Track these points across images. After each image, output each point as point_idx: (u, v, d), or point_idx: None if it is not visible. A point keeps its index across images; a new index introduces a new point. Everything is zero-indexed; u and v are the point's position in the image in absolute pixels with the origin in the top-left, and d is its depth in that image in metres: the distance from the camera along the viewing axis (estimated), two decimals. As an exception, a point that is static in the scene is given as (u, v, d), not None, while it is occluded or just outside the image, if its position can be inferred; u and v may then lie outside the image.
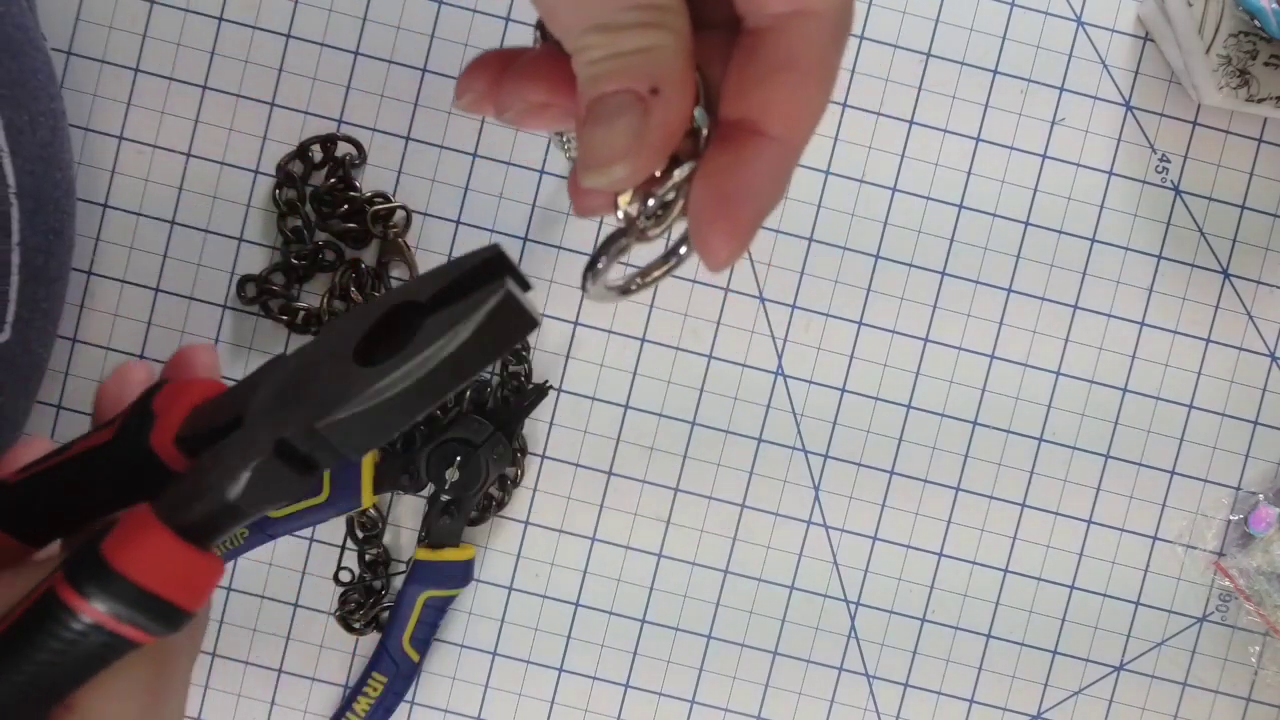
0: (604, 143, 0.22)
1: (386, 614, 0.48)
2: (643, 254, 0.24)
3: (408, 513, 0.49)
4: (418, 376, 0.22)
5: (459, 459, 0.46)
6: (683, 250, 0.24)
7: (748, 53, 0.22)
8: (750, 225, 0.23)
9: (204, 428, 0.25)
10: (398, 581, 0.48)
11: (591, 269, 0.23)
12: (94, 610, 0.23)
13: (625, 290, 0.24)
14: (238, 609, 0.49)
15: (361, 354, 0.23)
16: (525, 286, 0.23)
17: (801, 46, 0.22)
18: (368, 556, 0.48)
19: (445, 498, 0.46)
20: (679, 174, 0.22)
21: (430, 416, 0.48)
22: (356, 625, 0.48)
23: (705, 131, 0.23)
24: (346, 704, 0.47)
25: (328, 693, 0.49)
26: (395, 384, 0.22)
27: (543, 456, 0.49)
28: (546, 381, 0.48)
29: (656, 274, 0.24)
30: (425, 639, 0.46)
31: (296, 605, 0.49)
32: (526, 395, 0.47)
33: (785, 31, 0.22)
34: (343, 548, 0.49)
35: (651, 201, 0.22)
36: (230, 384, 0.26)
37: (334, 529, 0.48)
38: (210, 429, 0.25)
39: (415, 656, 0.46)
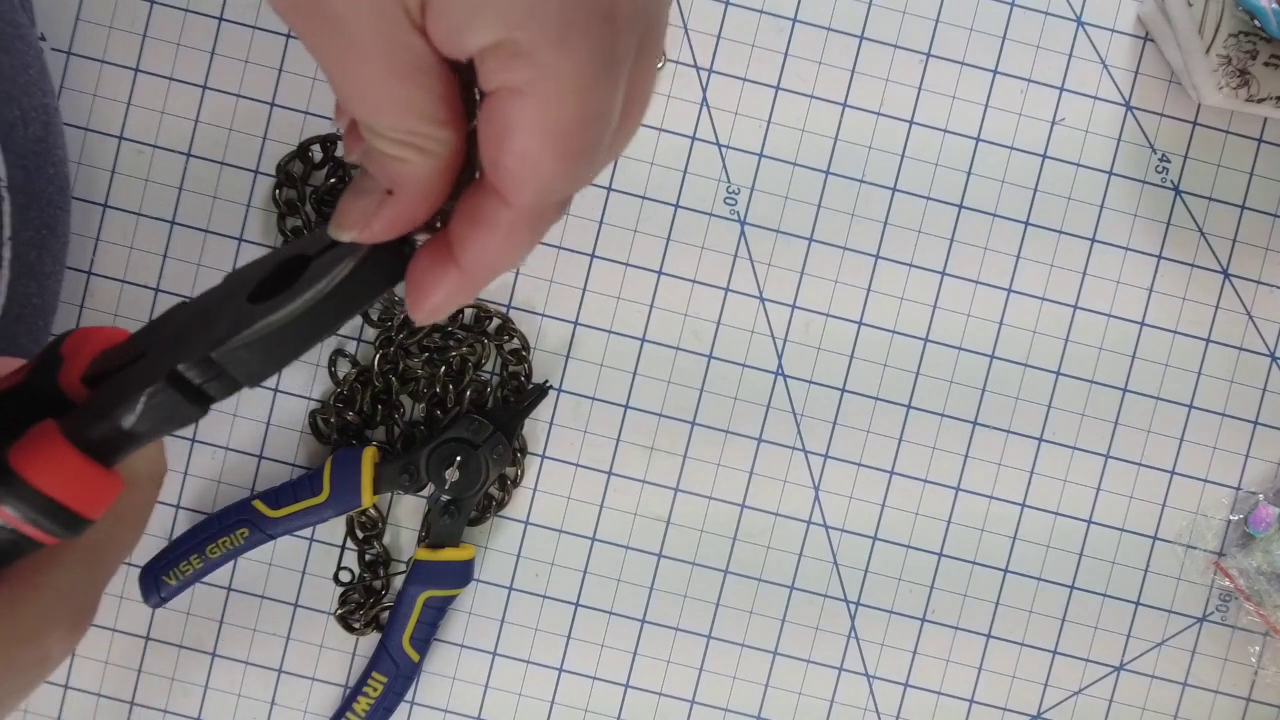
0: (343, 208, 0.26)
1: (386, 614, 0.48)
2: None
3: (407, 513, 0.49)
4: (302, 310, 0.26)
5: (459, 459, 0.46)
6: None
7: (468, 196, 0.26)
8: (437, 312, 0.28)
9: (110, 368, 0.27)
10: (397, 581, 0.48)
11: None
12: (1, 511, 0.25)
13: None
14: (238, 609, 0.48)
15: (255, 297, 0.26)
16: (411, 246, 0.27)
17: (492, 213, 0.26)
18: (368, 556, 0.48)
19: (445, 498, 0.46)
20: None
21: (430, 416, 0.48)
22: (356, 625, 0.48)
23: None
24: (346, 704, 0.46)
25: (328, 693, 0.49)
26: (282, 316, 0.26)
27: (543, 456, 0.49)
28: (546, 381, 0.48)
29: None
30: (425, 639, 0.46)
31: (296, 605, 0.49)
32: (526, 395, 0.47)
33: (487, 195, 0.25)
34: (343, 548, 0.49)
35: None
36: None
37: (334, 529, 0.48)
38: (115, 368, 0.27)
39: (415, 656, 0.46)
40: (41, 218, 0.42)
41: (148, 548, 0.48)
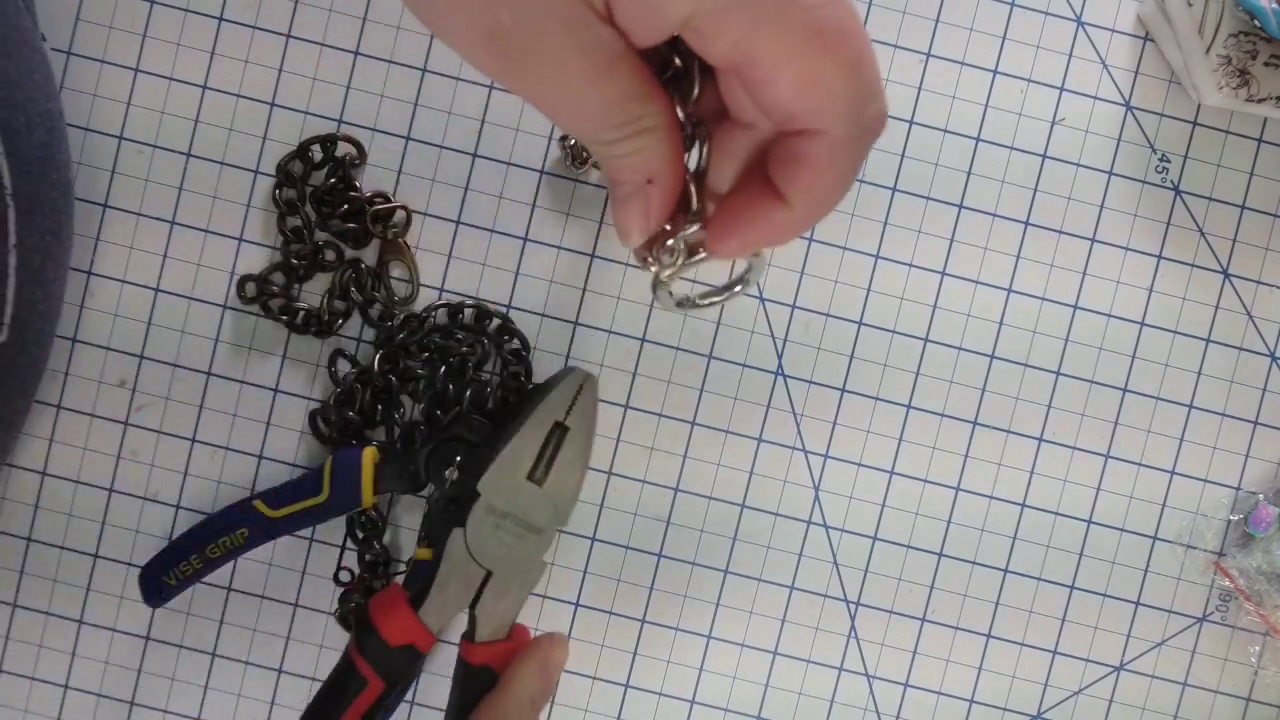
0: (622, 220, 0.29)
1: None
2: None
3: (407, 513, 0.49)
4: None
5: (459, 459, 0.46)
6: (737, 288, 0.32)
7: (777, 140, 0.28)
8: (752, 249, 0.30)
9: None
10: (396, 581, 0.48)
11: (653, 288, 0.32)
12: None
13: (681, 305, 0.33)
14: (238, 609, 0.49)
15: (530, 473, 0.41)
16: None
17: (816, 153, 0.26)
18: (368, 557, 0.48)
19: (445, 497, 0.46)
20: (681, 238, 0.30)
21: (430, 416, 0.48)
22: (356, 625, 0.48)
23: (694, 201, 0.29)
24: None
25: (328, 693, 0.49)
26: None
27: (543, 456, 0.49)
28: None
29: (714, 299, 0.33)
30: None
31: (296, 605, 0.49)
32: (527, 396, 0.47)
33: (799, 137, 0.26)
34: (343, 548, 0.49)
35: (662, 254, 0.30)
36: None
37: (334, 529, 0.48)
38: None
39: None
40: (46, 224, 0.42)
41: (147, 548, 0.48)
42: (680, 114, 0.28)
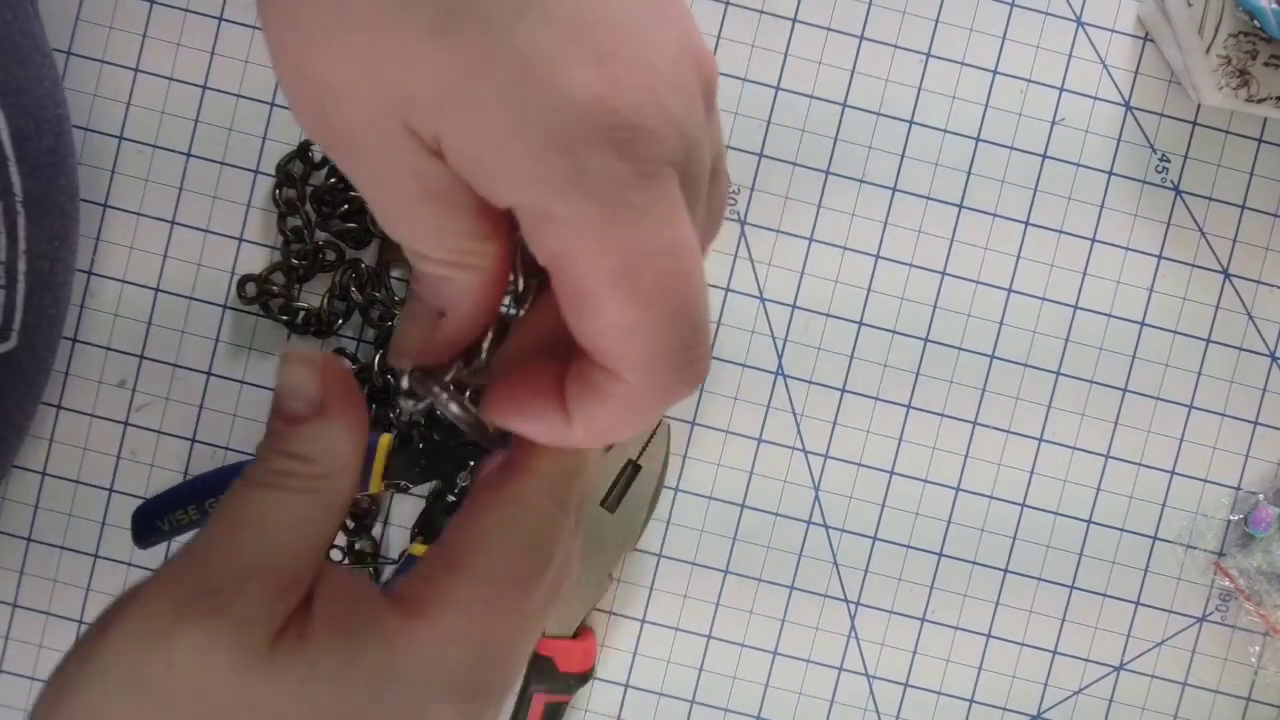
0: (399, 338, 0.26)
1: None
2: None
3: (399, 508, 0.49)
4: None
5: (472, 464, 0.46)
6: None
7: (580, 354, 0.24)
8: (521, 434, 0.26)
9: None
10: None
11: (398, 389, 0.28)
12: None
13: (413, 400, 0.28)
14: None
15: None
16: None
17: (609, 391, 0.23)
18: (357, 545, 0.48)
19: (451, 498, 0.46)
20: (450, 381, 0.26)
21: (451, 425, 0.48)
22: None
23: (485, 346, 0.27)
24: None
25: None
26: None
27: (543, 456, 0.49)
28: None
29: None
30: None
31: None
32: None
33: (597, 372, 0.23)
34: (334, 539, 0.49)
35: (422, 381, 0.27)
36: None
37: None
38: None
39: None
40: (55, 229, 0.42)
41: (149, 489, 0.48)
42: (516, 264, 0.25)
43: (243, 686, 0.23)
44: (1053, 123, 0.49)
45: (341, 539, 0.48)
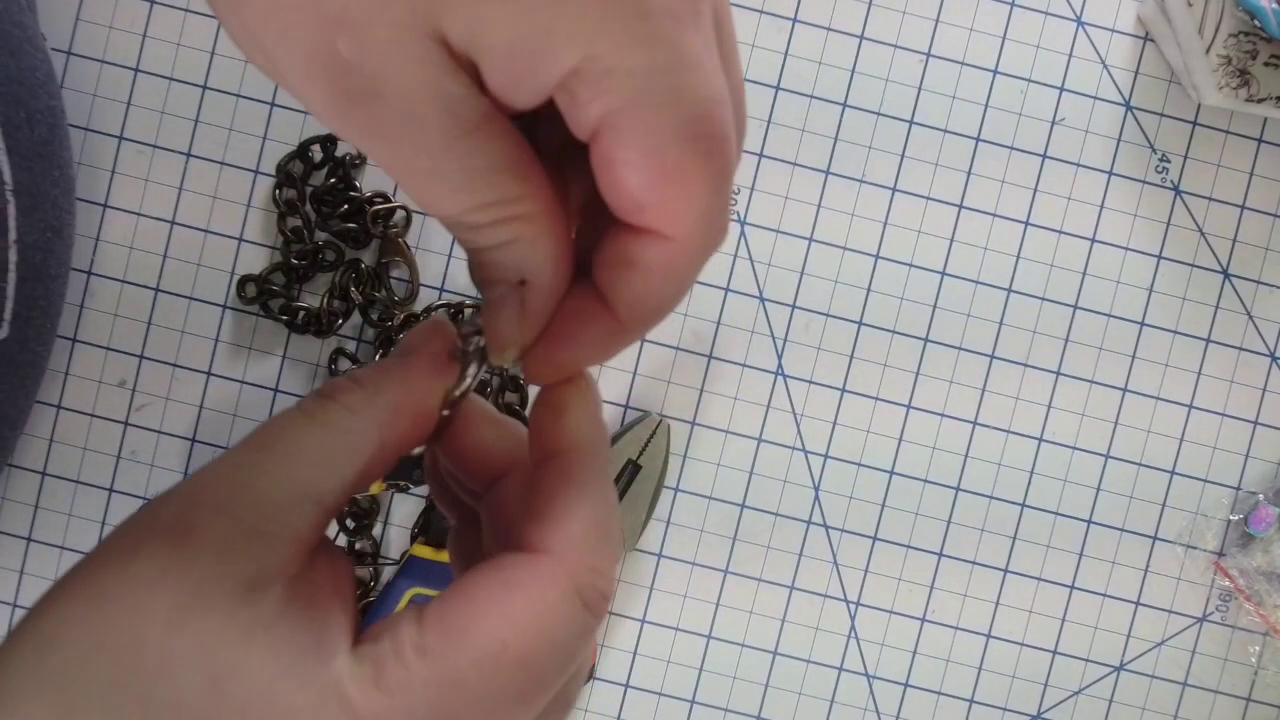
0: (493, 329, 0.24)
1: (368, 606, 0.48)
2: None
3: (399, 508, 0.49)
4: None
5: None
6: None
7: (611, 239, 0.23)
8: (565, 374, 0.25)
9: None
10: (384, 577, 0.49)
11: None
12: None
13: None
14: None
15: None
16: None
17: (654, 260, 0.22)
18: (357, 546, 0.48)
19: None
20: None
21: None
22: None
23: None
24: None
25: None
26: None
27: (543, 456, 0.49)
28: None
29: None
30: None
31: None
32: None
33: (640, 241, 0.22)
34: (338, 532, 0.49)
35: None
36: None
37: (332, 527, 0.49)
38: None
39: None
40: (48, 220, 0.43)
41: (149, 490, 0.48)
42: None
43: (161, 640, 0.20)
44: (1053, 123, 0.49)
45: (342, 539, 0.48)
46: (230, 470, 0.22)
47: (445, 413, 0.25)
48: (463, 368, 0.25)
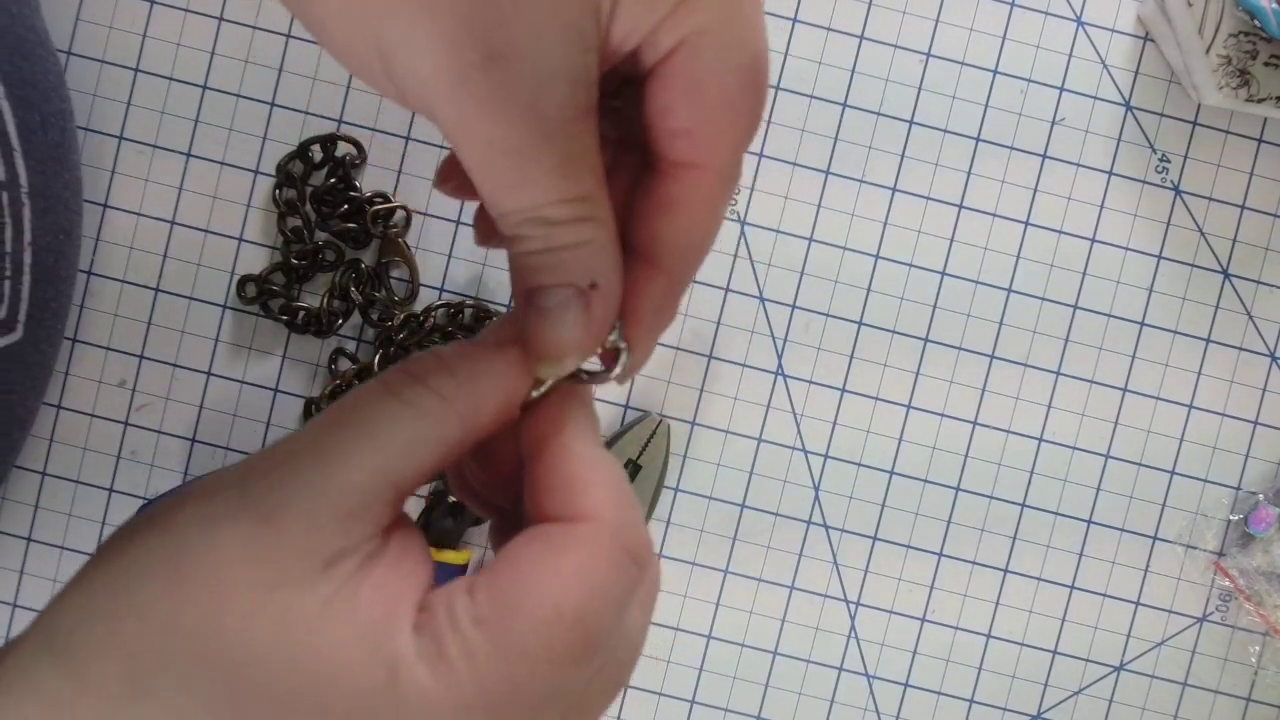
0: (553, 337, 0.23)
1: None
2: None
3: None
4: None
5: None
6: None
7: (647, 192, 0.24)
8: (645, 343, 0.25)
9: None
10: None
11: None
12: None
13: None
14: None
15: None
16: None
17: (689, 195, 0.23)
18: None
19: (452, 498, 0.46)
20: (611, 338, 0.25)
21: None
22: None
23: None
24: None
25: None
26: None
27: (543, 456, 0.49)
28: None
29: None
30: None
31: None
32: None
33: (679, 179, 0.23)
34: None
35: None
36: None
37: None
38: None
39: None
40: (59, 223, 0.43)
41: (149, 490, 0.48)
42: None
43: (246, 616, 0.21)
44: (1053, 123, 0.49)
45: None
46: (313, 449, 0.22)
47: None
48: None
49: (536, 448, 0.24)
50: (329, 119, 0.48)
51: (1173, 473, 0.50)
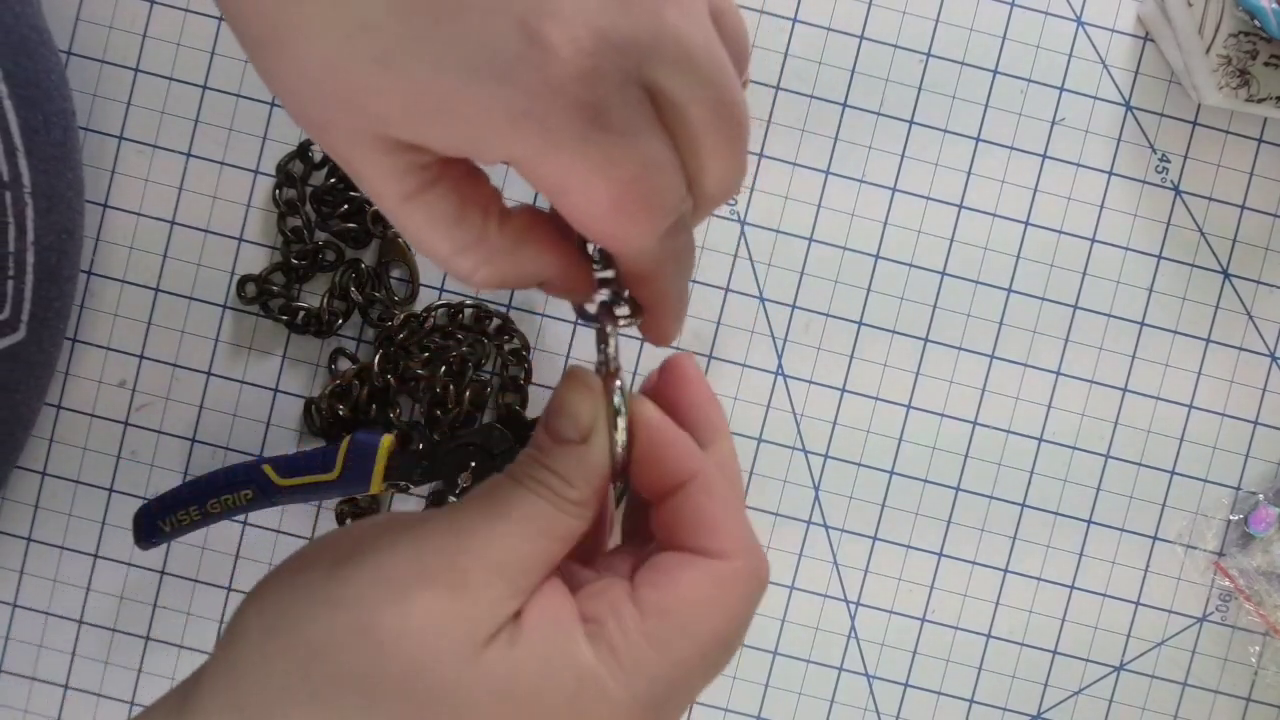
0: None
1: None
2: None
3: (399, 509, 0.49)
4: None
5: (474, 465, 0.46)
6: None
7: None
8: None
9: None
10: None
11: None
12: None
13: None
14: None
15: None
16: None
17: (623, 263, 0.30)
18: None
19: (452, 499, 0.47)
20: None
21: (430, 416, 0.48)
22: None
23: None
24: None
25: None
26: None
27: (543, 456, 0.49)
28: None
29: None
30: None
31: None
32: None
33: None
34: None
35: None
36: None
37: (333, 527, 0.49)
38: None
39: None
40: (61, 223, 0.43)
41: (149, 489, 0.48)
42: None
43: (456, 667, 0.25)
44: (1053, 123, 0.49)
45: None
46: (490, 530, 0.27)
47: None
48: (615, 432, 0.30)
49: (687, 486, 0.29)
50: (329, 119, 0.48)
51: (1173, 473, 0.50)
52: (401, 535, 0.27)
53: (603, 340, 0.31)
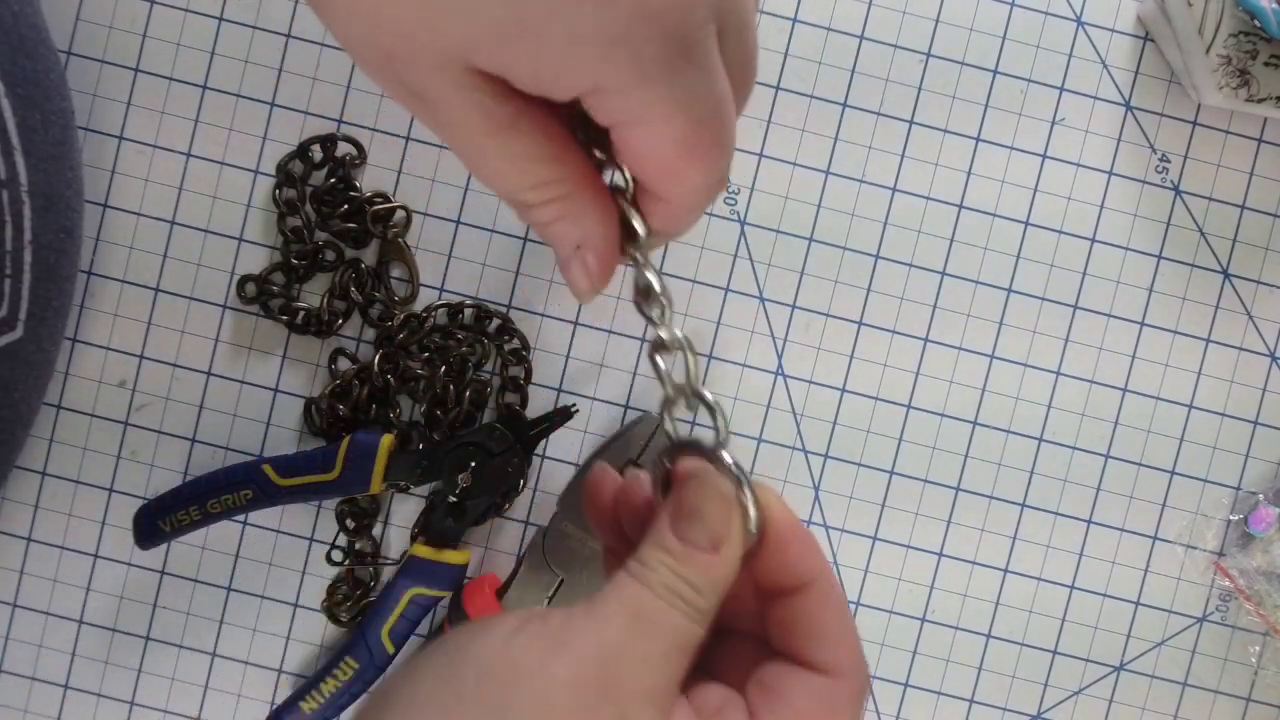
0: (570, 283, 0.29)
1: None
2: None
3: (399, 509, 0.49)
4: None
5: (473, 465, 0.46)
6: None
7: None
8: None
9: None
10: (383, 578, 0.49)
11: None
12: None
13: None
14: (238, 609, 0.49)
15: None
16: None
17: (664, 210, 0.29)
18: (357, 545, 0.48)
19: (452, 499, 0.47)
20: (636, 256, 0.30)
21: (430, 416, 0.48)
22: (343, 618, 0.48)
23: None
24: (313, 682, 0.46)
25: (328, 693, 0.49)
26: None
27: (543, 457, 0.49)
28: (574, 406, 0.48)
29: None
30: (404, 634, 0.47)
31: (296, 605, 0.49)
32: (550, 415, 0.48)
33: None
34: (339, 530, 0.49)
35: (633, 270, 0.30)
36: None
37: (333, 527, 0.49)
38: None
39: (391, 649, 0.47)
40: (60, 222, 0.43)
41: (149, 490, 0.48)
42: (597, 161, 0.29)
43: None
44: (1053, 123, 0.49)
45: (342, 539, 0.49)
46: (639, 653, 0.26)
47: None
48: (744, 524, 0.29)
49: (807, 590, 0.28)
50: (329, 119, 0.49)
51: (1173, 473, 0.50)
52: (553, 659, 0.26)
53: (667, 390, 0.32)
